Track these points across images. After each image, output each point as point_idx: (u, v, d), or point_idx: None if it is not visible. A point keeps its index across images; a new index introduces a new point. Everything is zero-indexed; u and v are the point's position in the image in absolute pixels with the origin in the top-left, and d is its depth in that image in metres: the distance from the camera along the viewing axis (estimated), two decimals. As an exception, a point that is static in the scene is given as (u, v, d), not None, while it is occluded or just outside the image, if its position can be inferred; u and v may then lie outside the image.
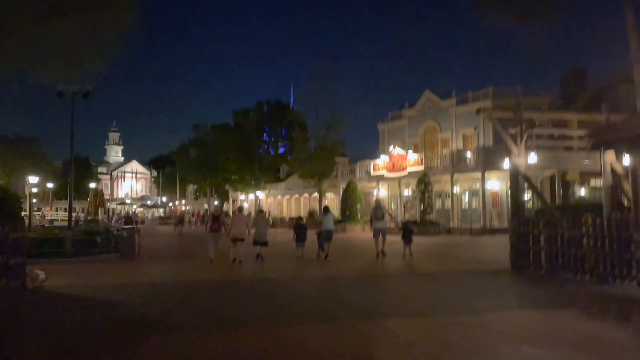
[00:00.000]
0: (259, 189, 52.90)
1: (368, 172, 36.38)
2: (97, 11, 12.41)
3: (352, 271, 12.88)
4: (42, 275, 11.25)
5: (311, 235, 16.60)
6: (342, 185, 37.87)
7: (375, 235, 16.34)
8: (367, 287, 10.23)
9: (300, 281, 11.18)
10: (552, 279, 10.92)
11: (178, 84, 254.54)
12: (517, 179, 12.85)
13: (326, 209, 18.20)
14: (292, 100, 55.95)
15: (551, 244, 11.46)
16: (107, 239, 19.06)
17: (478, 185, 31.55)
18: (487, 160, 28.75)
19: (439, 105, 36.93)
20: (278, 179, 56.09)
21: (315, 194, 42.33)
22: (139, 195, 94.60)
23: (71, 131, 19.36)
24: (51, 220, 36.69)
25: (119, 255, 18.75)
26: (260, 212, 18.92)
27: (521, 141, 12.96)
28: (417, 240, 23.99)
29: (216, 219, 16.20)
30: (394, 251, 17.83)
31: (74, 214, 30.42)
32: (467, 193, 32.70)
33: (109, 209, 37.61)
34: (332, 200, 46.84)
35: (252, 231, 15.14)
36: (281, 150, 55.32)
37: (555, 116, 13.79)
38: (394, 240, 17.50)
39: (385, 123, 42.21)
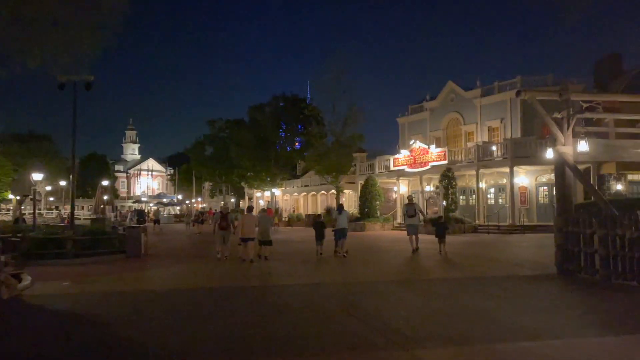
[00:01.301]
0: (274, 186, 51.62)
1: (387, 167, 34.76)
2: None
3: (375, 276, 11.41)
4: (26, 281, 9.98)
5: (329, 233, 16.43)
6: (361, 181, 36.34)
7: (409, 233, 16.53)
8: (394, 298, 8.74)
9: (317, 290, 9.74)
10: (611, 287, 9.29)
11: (195, 80, 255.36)
12: (563, 171, 11.20)
13: (340, 207, 17.84)
14: (309, 95, 54.57)
15: (607, 246, 9.82)
16: (111, 239, 17.93)
17: (505, 180, 29.74)
18: (516, 153, 26.95)
19: (463, 96, 35.08)
20: (294, 176, 54.78)
21: (333, 191, 40.94)
22: (156, 193, 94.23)
23: (73, 124, 18.24)
24: (63, 219, 35.83)
25: (125, 255, 17.65)
26: (263, 211, 18.27)
27: (568, 127, 11.30)
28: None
29: (224, 217, 16.02)
30: (422, 250, 16.37)
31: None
32: (493, 188, 30.86)
33: (117, 207, 36.67)
34: (350, 196, 45.37)
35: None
36: (297, 146, 53.86)
37: (608, 98, 12.16)
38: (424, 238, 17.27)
39: (406, 116, 40.47)
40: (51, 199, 72.44)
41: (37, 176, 21.85)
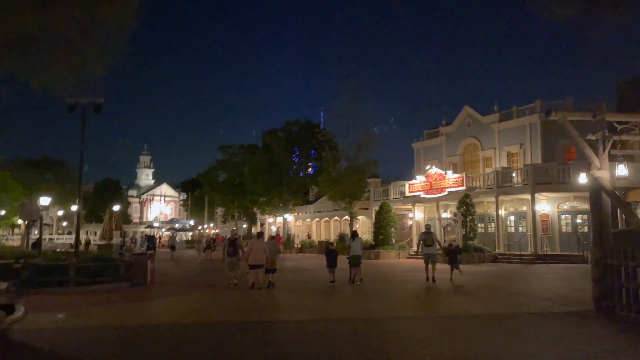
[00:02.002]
0: (287, 212, 50.86)
1: (403, 193, 33.84)
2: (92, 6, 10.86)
3: (392, 311, 10.46)
4: (19, 312, 9.25)
5: (342, 260, 16.51)
6: (375, 207, 35.43)
7: (426, 262, 16.29)
8: (415, 340, 7.82)
9: (329, 328, 8.84)
10: (661, 328, 8.26)
11: (209, 105, 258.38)
12: (599, 196, 10.27)
13: (354, 234, 17.76)
14: (322, 120, 54.23)
15: (654, 281, 8.81)
16: (116, 266, 17.23)
17: (525, 208, 28.63)
18: (537, 180, 25.92)
19: (480, 121, 34.28)
20: (307, 201, 54.03)
21: (346, 217, 40.05)
22: (168, 218, 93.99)
23: (81, 146, 17.82)
24: (71, 245, 35.31)
25: (130, 284, 16.92)
26: (271, 238, 17.83)
27: (604, 150, 10.42)
28: (462, 269, 21.50)
29: (232, 243, 15.97)
30: (440, 281, 15.39)
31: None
32: (513, 216, 29.71)
33: (125, 232, 36.01)
34: (363, 223, 44.38)
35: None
36: (311, 171, 53.30)
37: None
38: (441, 268, 16.84)
39: (421, 141, 39.69)
40: (64, 224, 72.52)
41: (44, 200, 21.42)
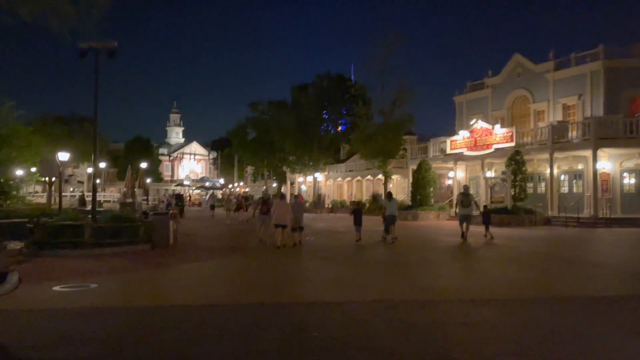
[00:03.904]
0: (317, 171, 49.03)
1: (443, 151, 31.30)
2: None
3: (434, 289, 8.47)
4: (9, 283, 7.75)
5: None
6: (412, 166, 33.10)
7: (461, 222, 16.86)
8: (478, 332, 5.86)
9: (375, 313, 6.98)
10: None
11: (240, 62, 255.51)
12: None
13: (389, 195, 17.88)
14: (352, 76, 51.24)
15: None
16: (135, 227, 15.77)
17: (581, 166, 25.88)
18: (599, 134, 23.06)
19: (532, 70, 30.98)
20: (338, 160, 51.99)
21: (380, 176, 37.96)
22: (199, 176, 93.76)
23: (95, 94, 16.13)
24: (98, 202, 34.36)
25: (150, 246, 15.52)
26: (295, 197, 18.56)
27: None
28: (513, 233, 19.35)
29: (265, 203, 16.31)
30: (501, 249, 13.26)
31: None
32: (566, 175, 26.99)
33: (148, 190, 34.75)
34: (397, 183, 42.23)
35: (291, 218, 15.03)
36: (342, 128, 50.95)
37: None
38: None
39: (463, 94, 36.60)
40: (98, 181, 72.88)
41: (63, 156, 20.11)
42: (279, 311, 6.89)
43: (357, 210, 17.30)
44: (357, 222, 16.64)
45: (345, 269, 10.89)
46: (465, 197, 17.16)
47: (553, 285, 8.76)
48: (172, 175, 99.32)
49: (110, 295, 8.03)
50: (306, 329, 5.90)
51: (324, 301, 7.49)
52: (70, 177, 76.53)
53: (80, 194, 45.66)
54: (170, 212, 17.48)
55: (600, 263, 11.51)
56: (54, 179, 25.23)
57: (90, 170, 52.44)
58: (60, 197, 20.36)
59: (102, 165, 45.92)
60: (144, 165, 37.05)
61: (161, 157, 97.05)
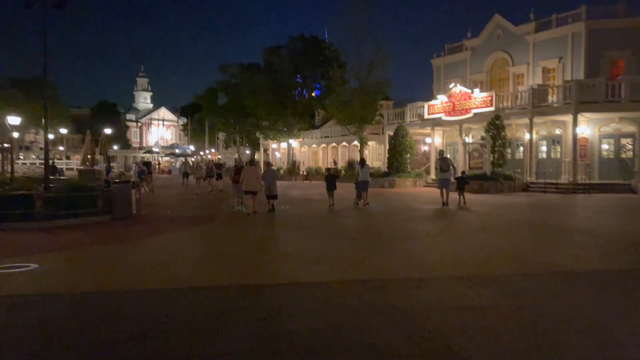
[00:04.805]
0: (291, 137, 47.68)
1: (421, 116, 30.43)
2: None
3: (424, 264, 7.64)
4: None
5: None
6: (389, 132, 32.23)
7: (441, 187, 16.75)
8: (467, 320, 5.05)
9: (359, 296, 6.09)
10: None
11: (210, 24, 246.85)
12: None
13: (362, 161, 18.29)
14: (327, 38, 49.37)
15: None
16: (93, 197, 14.46)
17: (559, 131, 25.47)
18: (581, 98, 22.48)
19: (512, 32, 30.07)
20: (313, 126, 50.69)
21: (356, 142, 37.03)
22: (169, 143, 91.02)
23: (44, 49, 14.47)
24: (58, 170, 32.20)
25: (110, 217, 14.30)
26: (268, 164, 18.01)
27: None
28: (494, 200, 18.80)
29: (237, 171, 16.04)
30: (470, 213, 12.54)
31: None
32: (544, 140, 26.57)
33: (110, 157, 32.78)
34: (373, 149, 41.43)
35: (262, 184, 14.96)
36: (317, 93, 49.37)
37: None
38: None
39: (442, 57, 35.55)
40: (60, 148, 69.74)
41: (13, 120, 18.32)
42: (250, 296, 5.91)
43: (330, 176, 17.37)
44: (330, 189, 16.75)
45: (323, 241, 9.97)
46: (444, 162, 16.98)
47: (550, 257, 8.03)
48: (141, 142, 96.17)
49: (50, 277, 6.87)
50: (280, 320, 4.93)
51: (300, 282, 6.53)
52: (32, 144, 73.02)
53: (52, 161, 42.94)
54: (132, 181, 16.13)
55: (591, 231, 10.89)
56: (6, 145, 23.41)
57: (51, 136, 49.66)
58: (12, 164, 18.70)
59: (64, 131, 43.41)
60: (108, 130, 35.02)
61: (129, 123, 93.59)
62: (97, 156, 23.36)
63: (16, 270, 7.19)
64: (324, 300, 5.59)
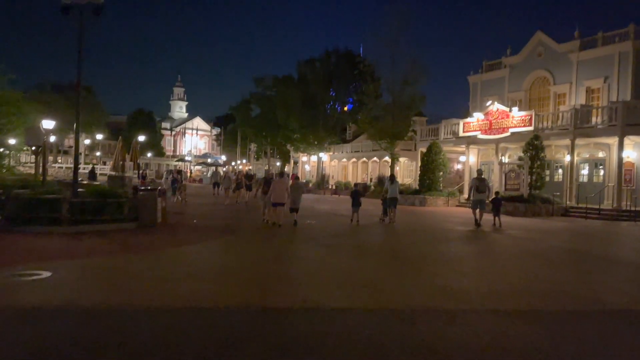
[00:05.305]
0: (322, 150, 47.36)
1: (455, 133, 29.58)
2: None
3: (457, 293, 7.00)
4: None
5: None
6: (422, 149, 31.45)
7: (474, 207, 16.31)
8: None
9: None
10: None
11: (247, 37, 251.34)
12: None
13: (392, 177, 18.25)
14: (361, 53, 49.10)
15: None
16: (119, 203, 14.34)
17: (602, 154, 24.25)
18: (627, 120, 21.31)
19: (554, 50, 28.99)
20: (344, 140, 50.27)
21: (386, 158, 36.37)
22: (202, 153, 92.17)
23: (79, 56, 14.53)
24: (95, 175, 32.81)
25: (136, 224, 14.13)
26: (296, 177, 18.40)
27: None
28: (531, 223, 17.88)
29: (267, 182, 16.00)
30: (504, 236, 11.71)
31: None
32: (586, 163, 25.34)
33: (140, 165, 32.96)
34: (405, 166, 40.65)
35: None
36: (349, 107, 49.03)
37: None
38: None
39: (479, 74, 34.64)
40: (97, 153, 71.49)
41: (47, 124, 18.60)
42: (266, 320, 5.43)
43: (355, 191, 17.08)
44: (355, 204, 16.40)
45: (349, 261, 9.43)
46: (481, 182, 16.47)
47: (598, 293, 7.27)
48: (174, 151, 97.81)
49: (58, 289, 6.54)
50: (295, 353, 4.42)
51: (321, 307, 6.01)
52: (70, 148, 75.19)
53: (92, 166, 43.48)
54: (159, 189, 15.99)
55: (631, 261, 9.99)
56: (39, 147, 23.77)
57: (87, 141, 50.86)
58: (44, 167, 18.90)
59: (100, 137, 44.32)
60: (141, 138, 35.47)
61: (164, 132, 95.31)
62: (128, 162, 23.52)
63: (27, 278, 6.93)
64: (347, 332, 5.05)
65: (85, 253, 9.44)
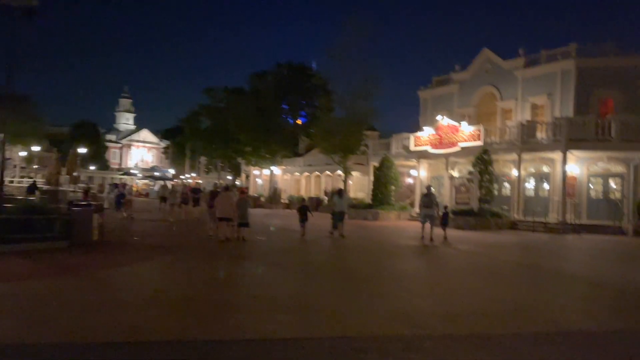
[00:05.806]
0: (274, 164, 46.65)
1: (407, 148, 29.73)
2: None
3: (413, 316, 6.59)
4: None
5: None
6: (373, 163, 31.44)
7: (424, 221, 16.32)
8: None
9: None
10: None
11: (195, 48, 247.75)
12: None
13: (340, 191, 18.50)
14: (314, 66, 49.09)
15: None
16: (49, 220, 13.13)
17: (547, 169, 24.94)
18: (571, 136, 21.98)
19: (501, 66, 29.81)
20: (297, 154, 49.81)
21: (339, 172, 36.13)
22: (149, 166, 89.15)
23: (9, 63, 13.32)
24: (37, 189, 30.33)
25: (69, 243, 12.94)
26: (242, 192, 17.55)
27: None
28: (482, 238, 17.92)
29: (213, 197, 15.84)
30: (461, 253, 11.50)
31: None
32: (532, 177, 26.00)
33: (78, 177, 30.98)
34: (358, 180, 40.53)
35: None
36: (302, 120, 48.72)
37: None
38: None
39: (429, 89, 35.18)
40: (35, 166, 67.57)
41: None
42: (200, 355, 4.73)
43: (302, 207, 17.17)
44: (302, 220, 16.47)
45: (296, 281, 8.84)
46: (427, 199, 16.65)
47: (556, 313, 7.00)
48: (121, 164, 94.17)
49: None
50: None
51: (269, 337, 5.36)
52: (7, 161, 70.70)
53: (34, 181, 40.43)
54: (94, 205, 14.79)
55: (594, 280, 9.97)
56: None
57: (23, 153, 47.78)
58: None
59: (36, 148, 41.70)
60: (83, 150, 33.56)
61: (109, 144, 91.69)
62: (62, 176, 21.93)
63: None
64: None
65: (2, 277, 8.35)
